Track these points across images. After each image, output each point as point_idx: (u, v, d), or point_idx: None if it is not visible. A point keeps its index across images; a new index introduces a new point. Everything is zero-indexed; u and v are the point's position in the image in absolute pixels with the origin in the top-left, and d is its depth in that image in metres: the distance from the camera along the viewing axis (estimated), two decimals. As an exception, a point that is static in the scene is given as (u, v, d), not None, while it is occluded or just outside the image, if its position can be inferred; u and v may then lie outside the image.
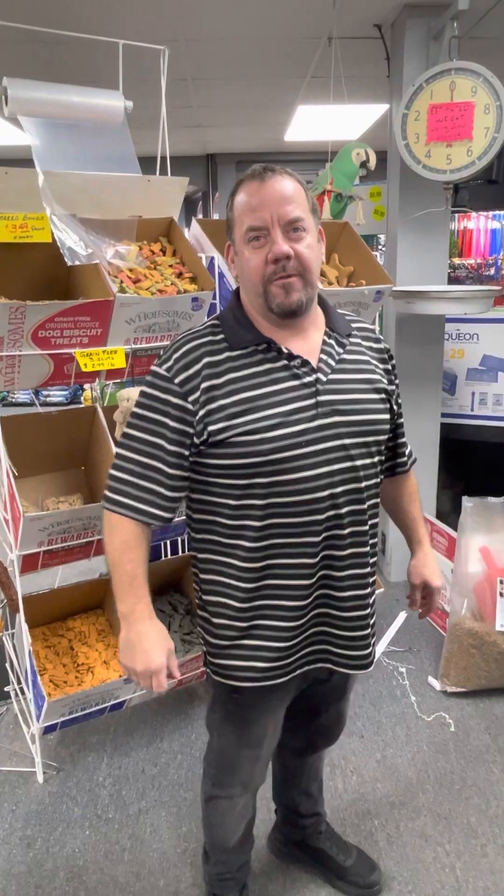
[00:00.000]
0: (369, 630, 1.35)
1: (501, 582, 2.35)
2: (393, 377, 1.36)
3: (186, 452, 1.21)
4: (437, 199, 2.81)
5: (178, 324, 1.95)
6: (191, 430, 1.19)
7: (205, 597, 1.31)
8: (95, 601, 2.41)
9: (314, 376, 1.21)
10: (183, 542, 2.65)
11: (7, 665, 2.39)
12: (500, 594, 2.34)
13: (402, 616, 2.73)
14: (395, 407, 1.36)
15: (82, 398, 6.33)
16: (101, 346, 1.86)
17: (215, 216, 6.85)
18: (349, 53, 3.24)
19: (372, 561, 1.33)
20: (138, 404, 1.23)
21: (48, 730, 2.03)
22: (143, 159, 2.05)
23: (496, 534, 2.44)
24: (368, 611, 1.33)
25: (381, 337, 1.38)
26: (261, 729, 1.38)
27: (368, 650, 1.35)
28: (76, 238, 1.82)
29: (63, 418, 2.15)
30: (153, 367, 1.23)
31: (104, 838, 1.89)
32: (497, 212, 3.97)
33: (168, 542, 2.64)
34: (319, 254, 1.23)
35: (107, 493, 1.24)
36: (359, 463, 1.23)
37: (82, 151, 2.00)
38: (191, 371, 1.19)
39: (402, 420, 1.45)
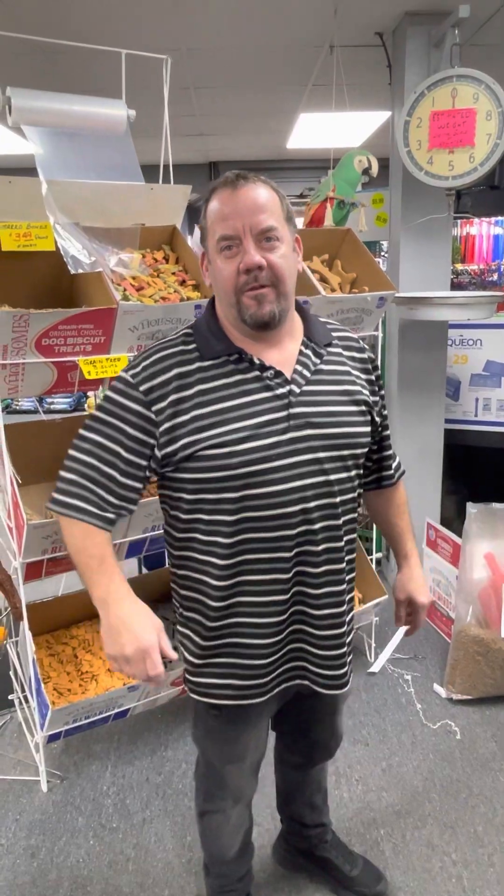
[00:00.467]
0: (345, 649, 1.31)
1: (507, 588, 2.34)
2: (376, 388, 1.32)
3: (144, 463, 1.18)
4: (439, 206, 2.81)
5: (181, 331, 1.95)
6: (152, 441, 1.16)
7: (184, 613, 1.29)
8: (99, 609, 2.40)
9: (287, 388, 1.18)
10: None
11: (11, 673, 2.39)
12: (506, 601, 2.33)
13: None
14: (377, 419, 1.32)
15: (86, 406, 6.34)
16: (104, 354, 1.86)
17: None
18: (351, 61, 3.25)
19: (349, 578, 1.30)
20: (99, 408, 1.20)
21: (52, 738, 2.02)
22: (145, 168, 2.06)
23: (501, 540, 2.43)
24: (344, 629, 1.30)
25: (365, 346, 1.34)
26: (241, 744, 1.36)
27: (344, 670, 1.32)
28: (79, 246, 1.83)
29: (67, 426, 2.16)
30: (120, 373, 1.20)
31: (108, 848, 1.88)
32: (500, 217, 3.97)
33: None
34: (295, 263, 1.20)
35: (54, 494, 1.19)
36: (333, 477, 1.20)
37: (85, 160, 2.01)
38: (158, 380, 1.16)
39: (387, 432, 1.42)
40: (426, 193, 2.78)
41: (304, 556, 1.22)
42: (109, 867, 1.82)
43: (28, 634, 1.98)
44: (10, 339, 1.70)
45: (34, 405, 6.06)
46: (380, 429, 1.37)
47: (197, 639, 1.26)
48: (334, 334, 1.29)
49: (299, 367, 1.21)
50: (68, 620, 2.37)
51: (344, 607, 1.29)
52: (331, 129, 4.95)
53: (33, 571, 1.96)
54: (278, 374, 1.18)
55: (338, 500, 1.22)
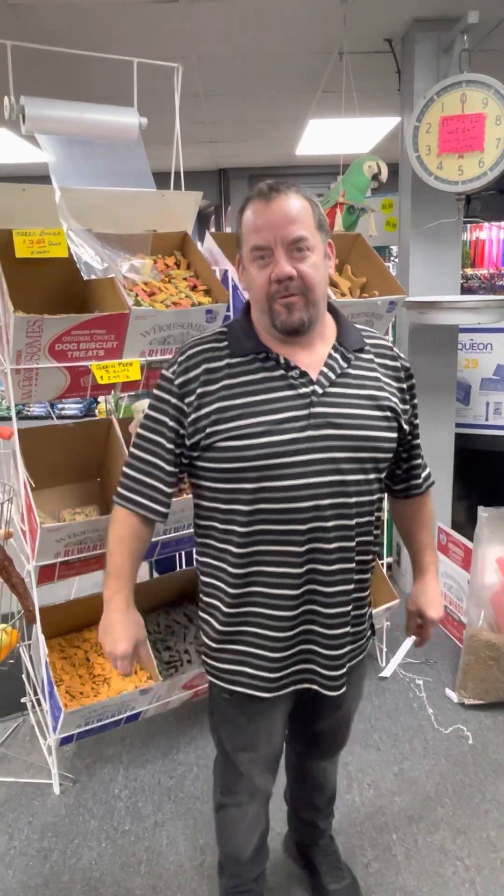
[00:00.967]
0: (347, 649, 1.33)
1: (518, 592, 2.33)
2: (408, 397, 1.34)
3: (178, 451, 1.26)
4: (449, 210, 2.82)
5: (192, 336, 1.95)
6: (182, 431, 1.24)
7: (204, 598, 1.36)
8: (111, 612, 2.41)
9: (310, 388, 1.21)
10: (198, 553, 2.65)
11: (24, 676, 2.40)
12: (518, 605, 2.32)
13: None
14: (405, 427, 1.33)
15: (96, 411, 6.38)
16: (116, 359, 1.88)
17: (228, 230, 6.90)
18: (360, 67, 3.27)
19: (357, 577, 1.30)
20: (149, 406, 1.30)
21: (64, 741, 2.03)
22: (157, 174, 2.08)
23: (512, 544, 2.42)
24: (349, 629, 1.32)
25: (401, 355, 1.36)
26: (251, 732, 1.39)
27: (342, 671, 1.33)
28: (92, 253, 1.85)
29: (79, 431, 2.17)
30: (162, 370, 1.29)
31: (120, 851, 1.89)
32: (509, 222, 3.98)
33: (183, 553, 2.65)
34: (326, 270, 1.24)
35: (118, 488, 1.32)
36: (349, 478, 1.23)
37: (98, 167, 2.03)
38: (190, 375, 1.24)
39: (417, 441, 1.42)
40: (436, 198, 2.79)
41: (316, 553, 1.24)
42: (121, 870, 1.82)
43: (41, 637, 1.99)
44: (24, 345, 1.72)
45: (45, 410, 6.11)
46: (409, 437, 1.38)
47: (215, 623, 1.32)
48: (368, 341, 1.32)
49: (325, 370, 1.24)
50: (80, 624, 2.38)
51: (350, 607, 1.31)
52: (340, 135, 4.98)
53: (46, 575, 1.98)
54: (303, 374, 1.22)
55: (352, 500, 1.24)
